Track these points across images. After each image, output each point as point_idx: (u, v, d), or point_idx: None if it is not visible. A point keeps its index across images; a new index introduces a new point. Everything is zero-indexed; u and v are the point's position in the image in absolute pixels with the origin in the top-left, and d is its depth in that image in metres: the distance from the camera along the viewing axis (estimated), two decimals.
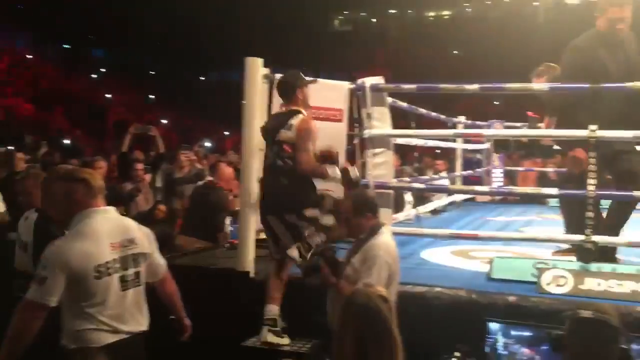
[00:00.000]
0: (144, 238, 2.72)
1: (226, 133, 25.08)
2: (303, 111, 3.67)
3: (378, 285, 2.65)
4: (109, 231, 2.57)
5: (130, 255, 2.62)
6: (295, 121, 3.57)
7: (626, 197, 3.83)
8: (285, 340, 3.52)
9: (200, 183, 5.94)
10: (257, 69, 4.16)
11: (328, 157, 3.64)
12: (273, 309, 3.53)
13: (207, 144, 16.50)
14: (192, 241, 5.20)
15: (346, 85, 4.65)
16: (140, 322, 2.66)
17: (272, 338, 3.48)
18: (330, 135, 4.55)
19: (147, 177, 7.24)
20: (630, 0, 3.93)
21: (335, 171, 3.65)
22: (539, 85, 3.81)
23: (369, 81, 4.42)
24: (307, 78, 3.80)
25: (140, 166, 6.80)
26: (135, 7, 24.84)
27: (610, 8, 3.96)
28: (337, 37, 30.41)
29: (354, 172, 3.66)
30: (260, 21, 24.99)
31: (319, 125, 4.02)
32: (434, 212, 7.37)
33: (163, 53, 29.23)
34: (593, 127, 3.65)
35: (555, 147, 6.11)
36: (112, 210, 2.67)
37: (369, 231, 3.11)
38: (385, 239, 3.10)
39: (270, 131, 3.72)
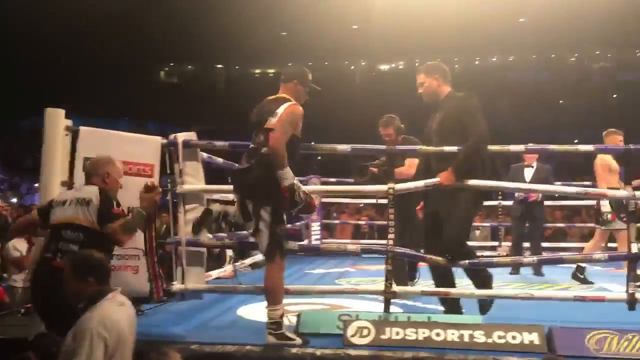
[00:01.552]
0: None
1: (36, 185, 23.11)
2: (292, 99, 3.72)
3: None
4: None
5: None
6: (281, 109, 3.63)
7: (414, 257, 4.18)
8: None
9: None
10: (58, 120, 3.93)
11: None
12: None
13: (13, 199, 15.09)
14: None
15: (158, 140, 4.55)
16: None
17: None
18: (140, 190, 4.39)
19: None
20: (422, 69, 4.31)
21: (288, 173, 3.56)
22: (342, 146, 4.08)
23: (181, 137, 4.37)
24: (311, 82, 3.94)
25: None
26: None
27: None
28: (162, 89, 29.92)
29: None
30: (81, 67, 23.69)
31: (127, 181, 3.87)
32: (254, 265, 7.37)
33: None
34: (392, 184, 3.95)
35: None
36: None
37: (88, 300, 2.74)
38: (105, 310, 2.70)
39: (256, 117, 3.76)
